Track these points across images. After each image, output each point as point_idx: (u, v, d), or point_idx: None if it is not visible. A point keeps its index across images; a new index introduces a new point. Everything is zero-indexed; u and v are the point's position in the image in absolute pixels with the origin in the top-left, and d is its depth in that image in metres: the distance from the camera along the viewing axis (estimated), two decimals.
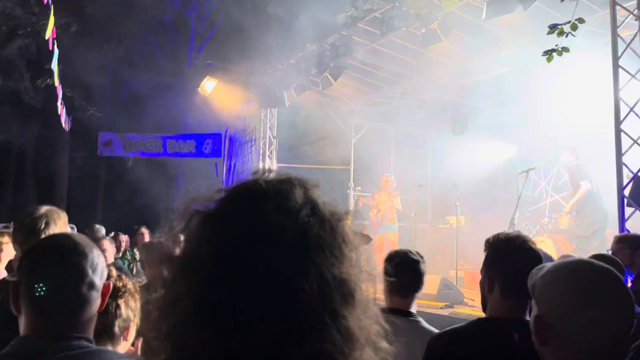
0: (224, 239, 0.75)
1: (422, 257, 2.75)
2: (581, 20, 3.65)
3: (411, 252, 2.74)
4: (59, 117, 9.82)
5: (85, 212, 17.78)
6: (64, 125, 10.64)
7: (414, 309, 2.71)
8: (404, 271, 2.62)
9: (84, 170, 16.72)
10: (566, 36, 3.68)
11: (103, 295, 1.43)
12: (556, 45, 3.87)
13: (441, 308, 6.83)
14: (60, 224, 2.37)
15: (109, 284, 1.45)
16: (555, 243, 8.66)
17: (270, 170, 0.84)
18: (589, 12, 6.69)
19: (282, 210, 0.76)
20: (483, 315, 2.12)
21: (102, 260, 1.44)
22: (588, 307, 1.15)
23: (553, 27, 3.69)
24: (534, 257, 1.98)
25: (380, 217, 9.60)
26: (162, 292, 0.78)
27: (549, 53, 3.91)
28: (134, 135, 14.10)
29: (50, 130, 14.48)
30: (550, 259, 3.89)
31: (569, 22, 3.65)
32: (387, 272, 2.43)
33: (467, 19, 7.49)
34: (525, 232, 10.19)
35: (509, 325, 1.86)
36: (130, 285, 1.75)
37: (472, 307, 6.94)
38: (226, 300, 0.71)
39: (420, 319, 2.66)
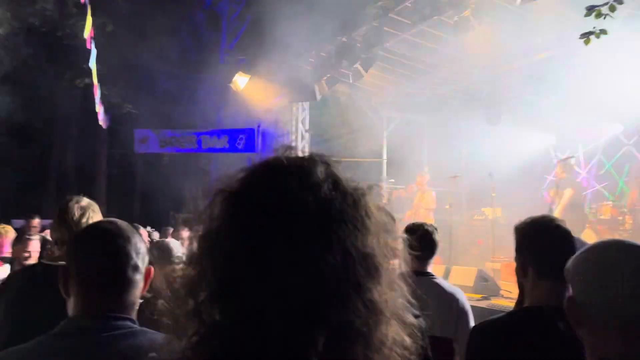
0: (247, 215, 0.75)
1: (436, 229, 3.23)
2: (620, 2, 3.51)
3: (426, 224, 3.24)
4: (96, 115, 10.11)
5: (123, 207, 18.26)
6: (101, 123, 10.94)
7: (430, 269, 3.23)
8: (423, 240, 3.07)
9: (121, 166, 17.19)
10: (604, 18, 3.55)
11: (145, 278, 1.49)
12: (594, 28, 3.73)
13: (478, 300, 6.74)
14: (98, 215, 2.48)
15: (150, 269, 1.51)
16: (597, 233, 8.42)
17: (291, 148, 0.85)
18: None
19: (304, 186, 0.76)
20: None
21: (144, 246, 1.51)
22: (616, 285, 1.12)
23: (590, 9, 3.56)
24: (562, 234, 1.97)
25: (414, 216, 9.62)
26: (188, 270, 0.79)
27: (586, 36, 3.78)
28: (169, 132, 14.37)
29: (89, 128, 14.90)
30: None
31: (606, 3, 3.52)
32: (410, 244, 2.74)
33: (501, 5, 7.32)
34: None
35: (551, 314, 1.83)
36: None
37: (509, 299, 6.83)
38: (251, 274, 0.73)
39: (437, 277, 3.22)
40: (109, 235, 1.47)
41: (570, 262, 1.25)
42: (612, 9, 3.49)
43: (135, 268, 1.45)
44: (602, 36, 3.87)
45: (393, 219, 0.87)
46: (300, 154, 0.83)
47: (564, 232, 2.00)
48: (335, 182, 0.79)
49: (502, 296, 7.17)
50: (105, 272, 1.42)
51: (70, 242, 1.54)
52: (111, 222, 1.55)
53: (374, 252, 0.77)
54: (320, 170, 0.79)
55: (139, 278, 1.46)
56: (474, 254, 10.31)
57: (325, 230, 0.74)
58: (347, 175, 0.82)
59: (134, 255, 1.44)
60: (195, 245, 0.80)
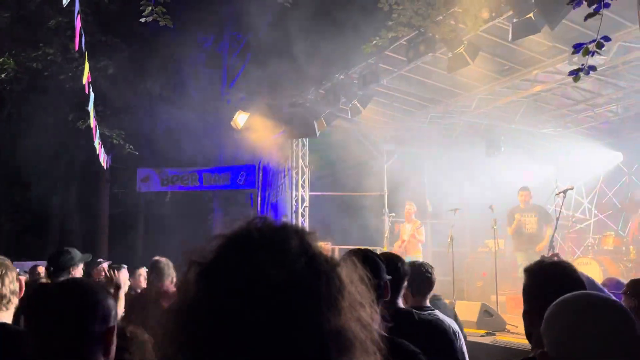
0: (220, 294, 0.74)
1: (432, 267, 3.44)
2: (607, 39, 3.57)
3: (424, 264, 3.46)
4: (98, 156, 10.21)
5: (126, 246, 18.21)
6: (102, 164, 11.03)
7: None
8: (420, 277, 3.28)
9: (124, 206, 17.21)
10: (592, 55, 3.61)
11: (105, 341, 1.40)
12: (582, 65, 3.79)
13: (482, 336, 6.61)
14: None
15: (111, 329, 1.42)
16: (601, 264, 8.32)
17: (264, 218, 0.84)
18: (619, 27, 6.56)
19: (277, 263, 0.75)
20: (527, 343, 2.04)
21: (105, 305, 1.43)
22: (584, 341, 1.11)
23: (577, 47, 3.62)
24: (576, 281, 1.87)
25: (404, 248, 9.44)
26: (161, 345, 0.78)
27: (575, 73, 3.83)
28: (171, 170, 14.44)
29: (92, 169, 15.00)
30: (592, 283, 3.73)
31: (594, 40, 3.59)
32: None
33: (495, 40, 7.45)
34: (569, 253, 9.84)
35: None
36: (143, 337, 1.70)
37: (515, 334, 6.70)
38: (222, 356, 0.71)
39: (436, 311, 3.30)
40: (54, 300, 1.41)
41: (544, 319, 1.23)
42: (599, 46, 3.55)
43: (88, 332, 1.37)
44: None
45: (368, 286, 0.86)
46: (273, 225, 0.82)
47: (578, 280, 1.88)
48: (309, 258, 0.78)
49: (508, 331, 7.04)
50: (49, 339, 1.36)
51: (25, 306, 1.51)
52: (63, 284, 1.48)
53: (346, 329, 0.76)
54: (294, 244, 0.78)
55: (95, 341, 1.39)
56: (478, 288, 10.19)
57: (298, 313, 0.73)
58: (320, 245, 0.82)
59: (84, 318, 1.38)
60: (172, 317, 0.79)
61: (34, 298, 1.50)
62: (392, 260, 2.66)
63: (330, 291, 0.76)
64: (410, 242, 9.52)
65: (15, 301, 2.18)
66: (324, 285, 0.76)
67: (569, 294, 1.24)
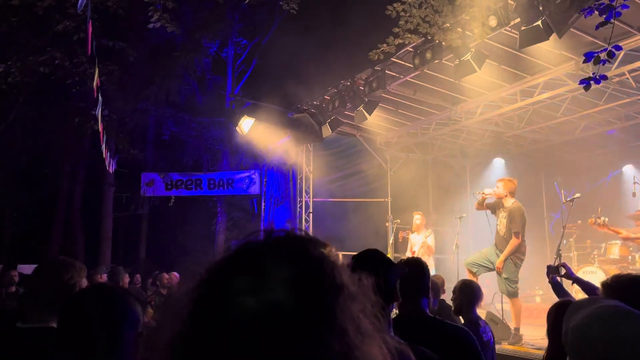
0: (213, 316, 0.68)
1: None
2: (618, 47, 3.56)
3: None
4: (103, 160, 10.23)
5: (130, 250, 18.22)
6: (108, 168, 11.05)
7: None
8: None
9: (128, 209, 17.23)
10: (603, 64, 3.60)
11: (134, 347, 1.42)
12: (593, 74, 3.77)
13: None
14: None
15: (141, 335, 1.44)
16: (606, 274, 8.27)
17: (270, 231, 0.77)
18: (626, 35, 6.56)
19: (279, 286, 0.68)
20: (534, 352, 1.95)
21: (136, 311, 1.45)
22: (621, 356, 1.08)
23: (589, 56, 3.61)
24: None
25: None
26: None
27: (586, 82, 3.82)
28: (175, 175, 14.47)
29: (96, 172, 15.03)
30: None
31: (604, 49, 3.58)
32: None
33: (502, 48, 7.45)
34: (574, 262, 9.79)
35: None
36: None
37: (520, 344, 6.66)
38: None
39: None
40: (86, 306, 1.43)
41: (569, 329, 1.20)
42: (610, 55, 3.55)
43: (117, 337, 1.39)
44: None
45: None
46: (279, 240, 0.75)
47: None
48: (316, 278, 0.71)
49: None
50: (81, 343, 1.37)
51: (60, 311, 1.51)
52: (95, 290, 1.50)
53: (351, 354, 0.69)
54: (300, 262, 0.72)
55: (125, 347, 1.40)
56: (484, 295, 10.12)
57: (296, 340, 0.67)
58: (334, 259, 0.75)
59: (114, 324, 1.39)
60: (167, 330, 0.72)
61: (70, 302, 1.50)
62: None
63: (336, 314, 0.69)
64: (421, 252, 9.41)
65: None
66: (329, 309, 0.69)
67: (601, 308, 1.19)
